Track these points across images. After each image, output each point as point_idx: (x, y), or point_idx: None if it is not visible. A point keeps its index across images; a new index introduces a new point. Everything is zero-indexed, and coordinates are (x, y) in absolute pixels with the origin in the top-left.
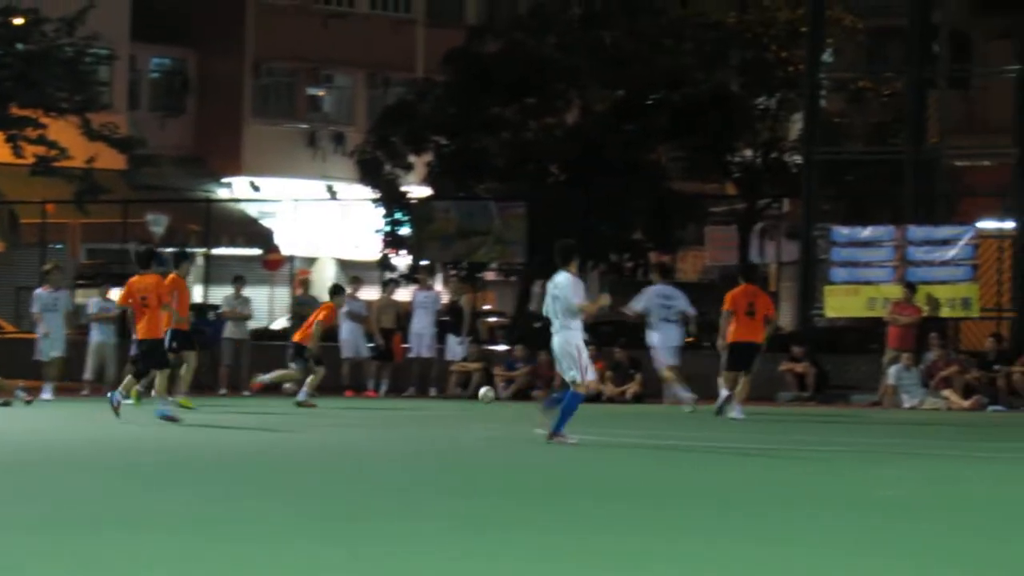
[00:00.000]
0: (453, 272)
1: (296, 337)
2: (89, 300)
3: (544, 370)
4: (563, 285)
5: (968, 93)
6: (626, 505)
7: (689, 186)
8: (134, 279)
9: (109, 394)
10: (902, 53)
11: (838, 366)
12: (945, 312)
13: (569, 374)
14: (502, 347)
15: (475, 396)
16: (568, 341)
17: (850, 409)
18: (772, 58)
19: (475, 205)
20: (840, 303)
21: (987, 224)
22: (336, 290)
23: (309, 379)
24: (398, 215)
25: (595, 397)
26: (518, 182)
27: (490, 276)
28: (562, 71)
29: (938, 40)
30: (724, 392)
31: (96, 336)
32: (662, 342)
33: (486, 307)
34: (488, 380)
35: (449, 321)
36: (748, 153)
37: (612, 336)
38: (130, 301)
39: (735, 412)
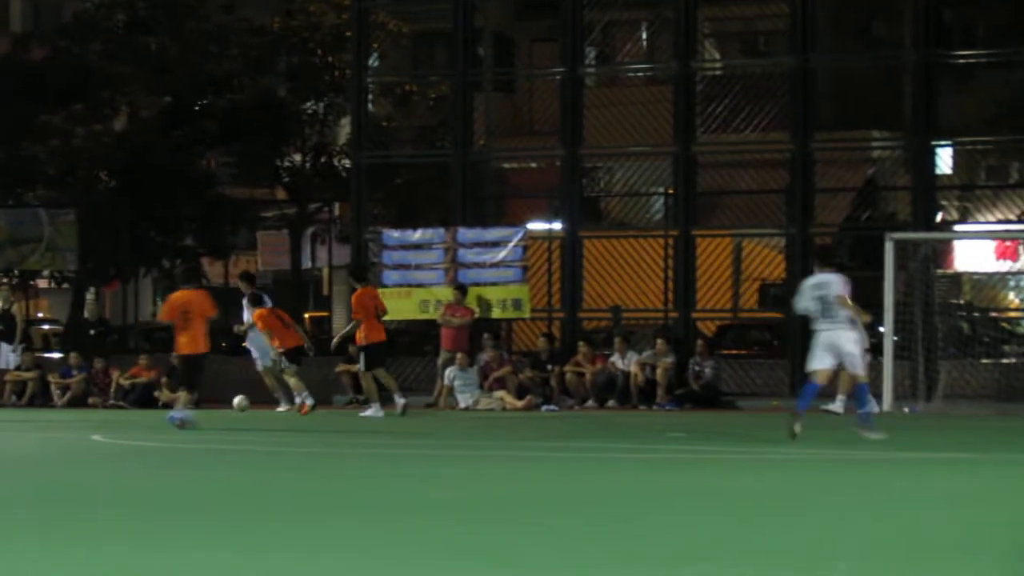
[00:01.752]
0: (5, 280)
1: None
2: None
3: (99, 377)
4: (832, 283)
5: (513, 96)
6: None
7: (240, 191)
8: (176, 294)
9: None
10: (447, 57)
11: (392, 368)
12: (497, 313)
13: (856, 367)
14: (57, 354)
15: (31, 404)
16: (856, 337)
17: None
18: (319, 63)
19: (25, 213)
20: (393, 306)
21: (536, 225)
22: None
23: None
24: None
25: (152, 403)
26: (68, 189)
27: (42, 284)
28: (108, 77)
29: (482, 43)
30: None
31: None
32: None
33: (39, 315)
34: (44, 388)
35: (2, 330)
36: (297, 158)
37: (168, 342)
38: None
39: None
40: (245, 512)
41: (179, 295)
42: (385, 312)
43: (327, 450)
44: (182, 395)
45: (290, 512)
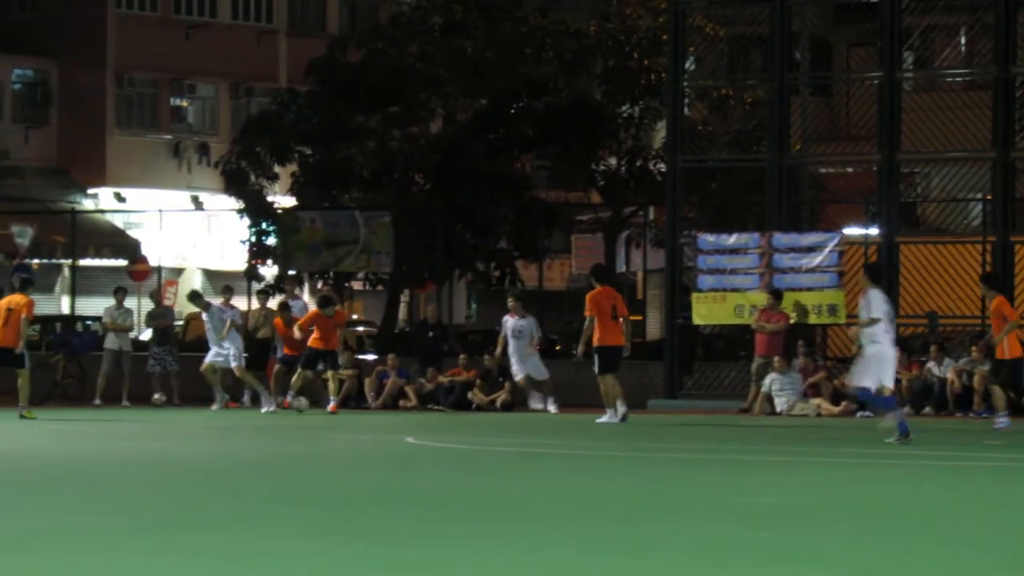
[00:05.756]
0: (320, 282)
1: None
2: None
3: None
4: None
5: (830, 100)
6: (447, 516)
7: (554, 194)
8: None
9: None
10: (763, 61)
11: (707, 373)
12: (812, 319)
13: None
14: (371, 356)
15: (343, 405)
16: None
17: (718, 415)
18: (635, 66)
19: (341, 215)
20: (708, 310)
21: (852, 230)
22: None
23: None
24: (264, 225)
25: (467, 405)
26: (383, 191)
27: (357, 286)
28: (424, 80)
29: (799, 47)
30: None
31: None
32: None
33: (354, 316)
34: (360, 388)
35: None
36: (612, 161)
37: (482, 344)
38: None
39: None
40: (533, 514)
41: None
42: (625, 315)
43: (628, 454)
44: None
45: (609, 516)
